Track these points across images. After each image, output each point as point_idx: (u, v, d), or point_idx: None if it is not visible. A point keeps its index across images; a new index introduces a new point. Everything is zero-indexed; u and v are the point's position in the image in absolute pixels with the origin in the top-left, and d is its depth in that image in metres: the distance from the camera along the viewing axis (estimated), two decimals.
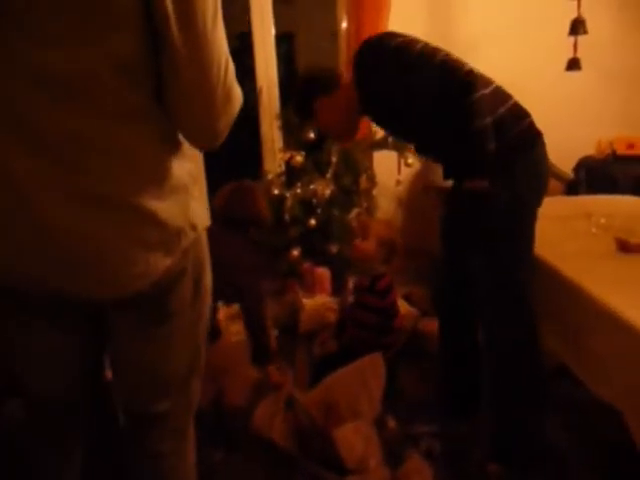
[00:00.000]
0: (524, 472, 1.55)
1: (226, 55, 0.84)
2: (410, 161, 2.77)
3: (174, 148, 0.91)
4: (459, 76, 1.43)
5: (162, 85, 0.83)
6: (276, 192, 2.77)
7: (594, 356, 1.43)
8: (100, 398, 1.14)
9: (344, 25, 3.03)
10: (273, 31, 3.10)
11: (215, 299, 1.39)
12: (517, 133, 1.47)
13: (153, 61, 0.81)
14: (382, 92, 1.57)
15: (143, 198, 0.83)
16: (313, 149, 2.63)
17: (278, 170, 2.99)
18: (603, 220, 1.94)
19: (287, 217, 2.70)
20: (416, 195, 3.25)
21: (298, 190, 2.74)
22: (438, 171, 1.65)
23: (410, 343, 2.25)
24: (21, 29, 0.72)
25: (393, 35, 1.56)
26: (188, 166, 0.94)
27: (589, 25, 2.70)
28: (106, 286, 0.87)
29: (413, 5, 3.08)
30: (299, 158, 2.72)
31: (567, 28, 2.73)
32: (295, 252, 2.70)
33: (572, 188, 3.07)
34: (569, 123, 3.13)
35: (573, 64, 2.74)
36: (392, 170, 2.95)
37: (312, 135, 2.53)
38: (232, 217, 2.04)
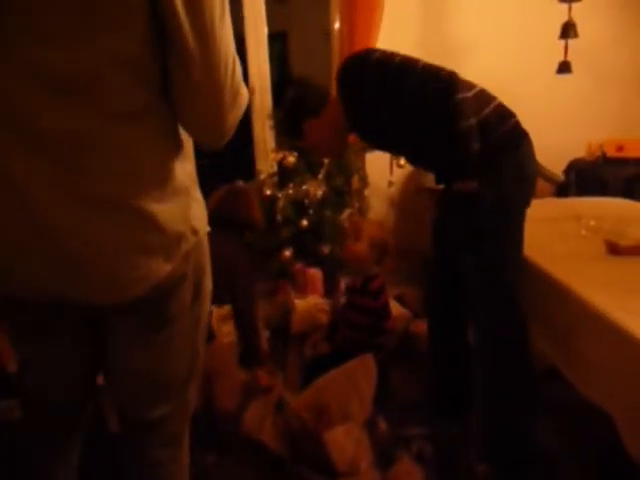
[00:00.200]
0: (513, 473, 1.56)
1: (233, 53, 0.83)
2: (402, 162, 2.77)
3: (177, 149, 0.90)
4: (441, 79, 1.46)
5: (169, 84, 0.82)
6: (268, 192, 2.77)
7: (583, 358, 1.44)
8: (93, 401, 1.14)
9: (337, 25, 3.03)
10: (266, 30, 3.09)
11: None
12: (502, 133, 1.48)
13: (158, 59, 0.80)
14: (367, 107, 1.59)
15: (144, 201, 0.82)
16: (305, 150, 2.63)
17: (270, 170, 2.98)
18: (593, 222, 1.95)
19: (279, 218, 2.69)
20: (408, 196, 3.26)
21: (290, 191, 2.74)
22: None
23: (402, 344, 2.26)
24: (21, 28, 0.71)
25: (372, 51, 1.62)
26: (189, 167, 0.94)
27: (580, 28, 2.72)
28: (106, 290, 0.86)
29: (406, 7, 3.08)
30: (291, 159, 2.72)
31: (558, 31, 2.75)
32: (287, 253, 2.69)
33: (562, 190, 3.09)
34: (560, 125, 3.15)
35: (564, 67, 2.76)
36: (384, 171, 2.96)
37: None
38: (226, 219, 2.04)
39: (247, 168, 3.18)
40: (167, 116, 0.86)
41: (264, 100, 3.14)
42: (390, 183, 3.03)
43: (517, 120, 1.53)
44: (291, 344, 2.36)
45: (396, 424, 1.81)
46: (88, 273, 0.83)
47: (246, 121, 3.21)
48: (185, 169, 0.91)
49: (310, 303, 2.56)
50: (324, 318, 2.44)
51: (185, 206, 0.90)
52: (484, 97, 1.53)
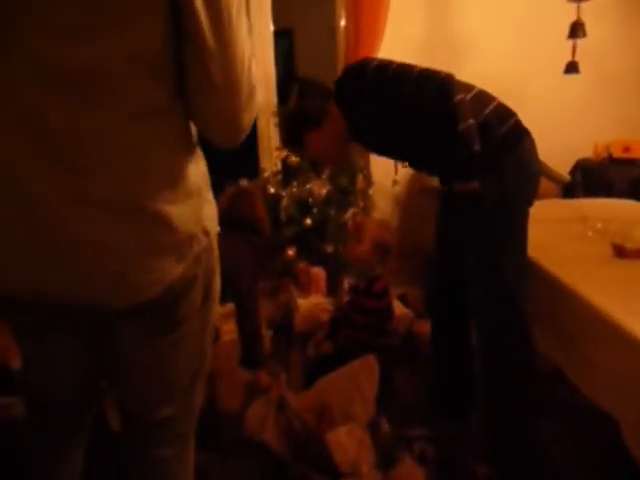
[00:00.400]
0: (515, 475, 1.55)
1: (249, 50, 0.82)
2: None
3: (190, 149, 0.89)
4: (437, 82, 1.46)
5: (185, 83, 0.81)
6: (272, 191, 2.76)
7: (589, 362, 1.43)
8: (97, 402, 1.13)
9: (343, 22, 3.01)
10: (271, 27, 3.08)
11: None
12: (503, 133, 1.49)
13: (173, 58, 0.79)
14: (367, 116, 1.59)
15: (158, 202, 0.81)
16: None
17: (274, 169, 2.97)
18: (599, 224, 1.94)
19: (283, 216, 2.69)
20: (413, 195, 3.24)
21: (294, 189, 2.73)
22: None
23: (405, 345, 2.25)
24: (36, 25, 0.70)
25: (369, 59, 1.63)
26: (202, 168, 0.93)
27: (588, 28, 2.70)
28: (119, 293, 0.85)
29: (411, 5, 3.06)
30: (295, 157, 2.71)
31: (566, 31, 2.72)
32: (290, 252, 2.68)
33: (568, 191, 3.07)
34: (566, 125, 3.13)
35: (571, 67, 2.74)
36: (389, 170, 2.91)
37: None
38: (233, 221, 2.04)
39: (251, 166, 3.17)
40: (181, 116, 0.85)
41: (269, 97, 3.13)
42: (395, 182, 2.99)
43: (518, 119, 1.53)
44: (294, 343, 2.36)
45: (399, 425, 1.80)
46: (100, 276, 0.82)
47: None
48: (199, 169, 0.90)
49: (313, 302, 2.56)
50: (327, 318, 2.44)
51: (197, 207, 0.89)
52: (483, 98, 1.53)
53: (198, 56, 0.77)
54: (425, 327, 2.21)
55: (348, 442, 1.58)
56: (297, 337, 2.40)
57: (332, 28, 3.22)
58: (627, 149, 3.09)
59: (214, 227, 0.96)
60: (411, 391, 2.02)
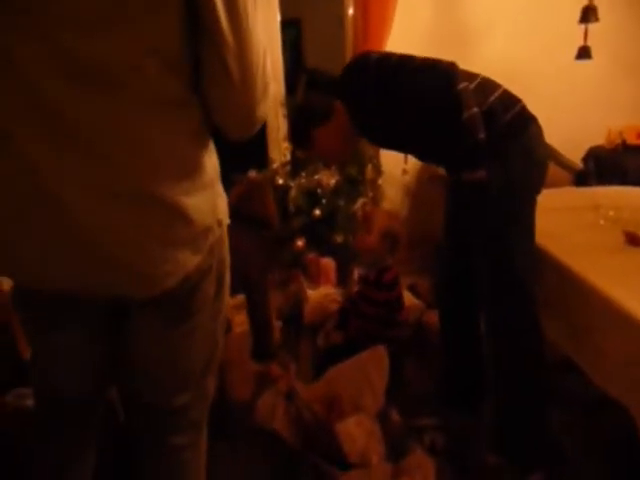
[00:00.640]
0: (524, 464, 1.54)
1: (264, 42, 0.84)
2: None
3: (205, 141, 0.90)
4: (440, 70, 1.45)
5: (202, 76, 0.83)
6: (281, 182, 2.75)
7: (600, 351, 1.42)
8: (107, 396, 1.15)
9: (351, 11, 2.99)
10: (279, 17, 3.06)
11: None
12: (509, 120, 1.48)
13: (190, 51, 0.80)
14: (371, 110, 1.58)
15: (174, 194, 0.82)
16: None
17: (283, 159, 2.97)
18: (612, 212, 1.91)
19: (291, 207, 2.68)
20: (422, 185, 3.22)
21: (303, 180, 2.72)
22: None
23: (415, 335, 2.24)
24: (58, 17, 0.71)
25: (370, 52, 1.63)
26: (215, 160, 0.94)
27: (601, 13, 2.64)
28: (137, 285, 0.86)
29: None
30: (302, 154, 2.69)
31: (578, 15, 2.67)
32: (300, 242, 2.68)
33: (581, 178, 3.03)
34: (579, 112, 3.09)
35: (583, 52, 2.69)
36: (398, 159, 2.91)
37: None
38: (244, 215, 2.04)
39: (260, 157, 3.16)
40: (197, 109, 0.86)
41: (277, 88, 3.11)
42: (404, 171, 2.99)
43: (523, 106, 1.52)
44: (303, 334, 2.36)
45: (409, 415, 1.80)
46: (118, 268, 0.82)
47: None
48: (212, 161, 0.92)
49: (322, 293, 2.56)
50: (336, 308, 2.44)
51: (212, 199, 0.91)
52: (488, 86, 1.52)
53: (216, 49, 0.79)
54: (435, 317, 2.20)
55: (357, 432, 1.59)
56: (307, 328, 2.41)
57: (340, 17, 3.19)
58: None
59: (226, 218, 0.99)
60: (421, 382, 2.02)
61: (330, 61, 2.96)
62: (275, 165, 2.92)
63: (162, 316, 0.95)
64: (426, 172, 3.18)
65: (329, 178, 2.70)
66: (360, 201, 2.79)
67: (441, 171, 2.87)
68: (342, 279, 2.75)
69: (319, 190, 2.69)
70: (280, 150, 3.09)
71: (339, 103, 1.64)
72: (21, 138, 0.75)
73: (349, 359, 1.85)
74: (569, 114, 3.05)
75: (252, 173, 2.65)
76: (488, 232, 1.53)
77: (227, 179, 2.29)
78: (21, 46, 0.72)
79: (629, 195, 2.32)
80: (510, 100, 1.51)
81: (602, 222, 1.90)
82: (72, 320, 0.95)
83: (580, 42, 2.71)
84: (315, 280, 2.71)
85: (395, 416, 1.77)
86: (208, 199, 0.90)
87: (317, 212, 2.65)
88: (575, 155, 3.09)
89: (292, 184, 2.73)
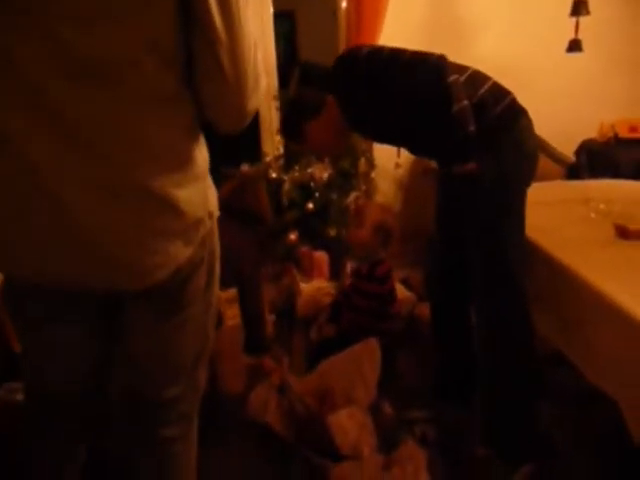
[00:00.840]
0: (514, 457, 1.55)
1: (254, 36, 0.85)
2: None
3: (196, 135, 0.91)
4: (430, 63, 1.45)
5: (195, 69, 0.84)
6: (274, 175, 2.75)
7: (591, 345, 1.43)
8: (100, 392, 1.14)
9: (344, 4, 2.97)
10: (271, 9, 3.04)
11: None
12: (499, 112, 1.48)
13: (183, 45, 0.81)
14: (362, 103, 1.58)
15: (167, 186, 0.83)
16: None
17: (276, 153, 2.96)
18: (602, 205, 1.92)
19: (285, 201, 2.68)
20: (415, 178, 3.22)
21: (296, 173, 2.72)
22: None
23: (407, 328, 2.25)
24: (57, 12, 0.71)
25: (361, 46, 1.63)
26: (205, 153, 0.95)
27: (592, 6, 2.64)
28: (129, 277, 0.87)
29: None
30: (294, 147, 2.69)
31: (569, 9, 2.67)
32: (293, 236, 2.68)
33: (573, 172, 3.04)
34: (571, 106, 3.09)
35: (574, 45, 2.69)
36: (391, 153, 2.91)
37: None
38: (237, 209, 2.04)
39: (253, 150, 3.15)
40: (189, 103, 0.87)
41: (270, 81, 3.10)
42: (397, 165, 2.99)
43: (513, 98, 1.52)
44: (296, 328, 2.37)
45: (401, 408, 1.81)
46: (110, 260, 0.83)
47: None
48: (203, 155, 0.93)
49: (315, 287, 2.56)
50: (329, 301, 2.44)
51: (203, 191, 0.92)
52: (478, 78, 1.52)
53: (208, 43, 0.80)
54: (427, 310, 2.21)
55: (349, 425, 1.60)
56: (300, 321, 2.41)
57: (334, 10, 3.18)
58: (633, 129, 3.06)
59: (216, 211, 1.00)
60: (413, 374, 2.03)
61: (324, 54, 2.94)
62: (268, 159, 2.91)
63: (154, 309, 0.96)
64: (419, 166, 3.18)
65: (322, 172, 2.70)
66: (353, 195, 2.79)
67: (434, 164, 2.88)
68: (335, 273, 2.75)
69: (312, 184, 2.69)
70: (273, 144, 3.09)
71: (331, 97, 1.64)
72: (21, 138, 0.76)
73: (341, 352, 1.86)
74: (562, 108, 3.05)
75: (245, 167, 2.64)
76: (481, 224, 1.54)
77: (220, 173, 2.30)
78: (21, 46, 0.72)
79: (620, 188, 2.33)
80: (500, 92, 1.52)
81: (593, 215, 1.91)
82: (66, 315, 0.95)
83: (572, 36, 2.71)
84: (308, 273, 2.71)
85: (387, 408, 1.78)
86: (199, 191, 0.91)
87: (310, 206, 2.65)
88: (568, 148, 3.09)
89: (285, 178, 2.73)
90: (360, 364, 1.81)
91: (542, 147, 2.81)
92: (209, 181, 0.98)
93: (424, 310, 2.27)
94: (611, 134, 3.07)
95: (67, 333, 0.98)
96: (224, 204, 1.05)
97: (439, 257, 1.83)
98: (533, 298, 1.55)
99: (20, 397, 1.49)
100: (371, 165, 2.96)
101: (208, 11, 0.76)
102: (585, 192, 2.14)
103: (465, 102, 1.41)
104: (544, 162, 2.82)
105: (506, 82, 1.56)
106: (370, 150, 2.98)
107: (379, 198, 3.12)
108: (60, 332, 0.97)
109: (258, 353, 1.95)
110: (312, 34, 4.74)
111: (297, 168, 2.74)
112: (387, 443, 1.64)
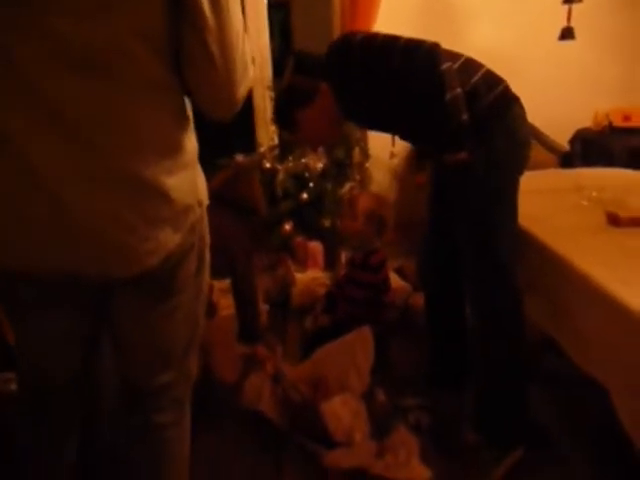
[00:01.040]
0: (504, 443, 1.57)
1: (242, 23, 0.86)
2: None
3: (186, 122, 0.93)
4: (423, 50, 1.44)
5: (184, 57, 0.84)
6: (268, 166, 2.75)
7: (580, 331, 1.43)
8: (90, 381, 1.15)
9: None
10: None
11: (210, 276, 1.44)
12: (491, 100, 1.48)
13: (172, 34, 0.82)
14: (356, 91, 1.57)
15: (157, 174, 0.84)
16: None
17: (271, 143, 2.96)
18: (594, 193, 1.92)
19: (279, 191, 2.68)
20: (410, 168, 3.22)
21: (290, 163, 2.72)
22: None
23: (402, 317, 2.26)
24: (51, 6, 0.72)
25: (355, 33, 1.63)
26: (194, 141, 0.96)
27: None
28: (117, 264, 0.88)
29: None
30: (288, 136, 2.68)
31: None
32: (287, 226, 2.69)
33: (567, 161, 3.04)
34: (566, 95, 3.09)
35: (567, 33, 2.68)
36: (386, 143, 2.89)
37: None
38: (231, 200, 2.04)
39: (247, 140, 3.15)
40: (178, 90, 0.88)
41: (264, 71, 3.10)
42: (392, 155, 2.98)
43: (506, 85, 1.52)
44: (291, 318, 2.38)
45: (395, 395, 1.82)
46: (101, 247, 0.84)
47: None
48: (192, 142, 0.94)
49: (310, 277, 2.57)
50: (324, 292, 2.45)
51: (192, 178, 0.94)
52: (471, 66, 1.52)
53: (197, 31, 0.80)
54: (422, 300, 2.22)
55: (343, 412, 1.61)
56: (294, 311, 2.42)
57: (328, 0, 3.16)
58: (627, 118, 3.05)
59: (205, 199, 1.01)
60: (407, 363, 2.05)
61: (319, 43, 2.93)
62: (262, 149, 2.91)
63: (145, 296, 0.97)
64: (414, 155, 3.18)
65: (316, 162, 2.70)
66: (348, 185, 2.79)
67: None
68: (330, 263, 2.76)
69: (306, 174, 2.69)
70: (268, 134, 3.09)
71: (324, 85, 1.63)
72: (19, 133, 0.77)
73: (335, 340, 1.87)
74: (556, 96, 3.05)
75: (239, 157, 2.64)
76: (472, 213, 1.54)
77: (215, 163, 2.29)
78: (21, 46, 0.73)
79: (612, 176, 2.34)
80: (493, 80, 1.51)
81: (585, 203, 1.91)
82: (57, 302, 0.96)
83: (565, 24, 2.71)
84: (303, 264, 2.72)
85: (381, 396, 1.79)
86: (189, 179, 0.92)
87: (304, 196, 2.66)
88: (562, 137, 3.10)
89: (280, 168, 2.73)
90: (353, 352, 1.82)
91: (536, 136, 2.82)
92: (198, 169, 0.99)
93: (418, 300, 2.28)
94: (605, 123, 3.07)
95: (58, 320, 0.98)
96: (217, 194, 1.06)
97: (432, 247, 1.84)
98: (524, 285, 1.55)
99: (14, 387, 1.49)
100: (366, 155, 2.96)
101: (198, 1, 0.77)
102: (577, 180, 2.13)
103: (458, 90, 1.41)
104: (538, 151, 2.83)
105: (500, 70, 1.55)
106: (364, 140, 2.98)
107: (374, 188, 3.11)
108: (51, 319, 0.98)
109: (251, 341, 1.96)
110: (307, 23, 4.70)
111: (291, 158, 2.74)
112: (380, 430, 1.65)
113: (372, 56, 1.50)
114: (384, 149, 2.94)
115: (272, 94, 2.98)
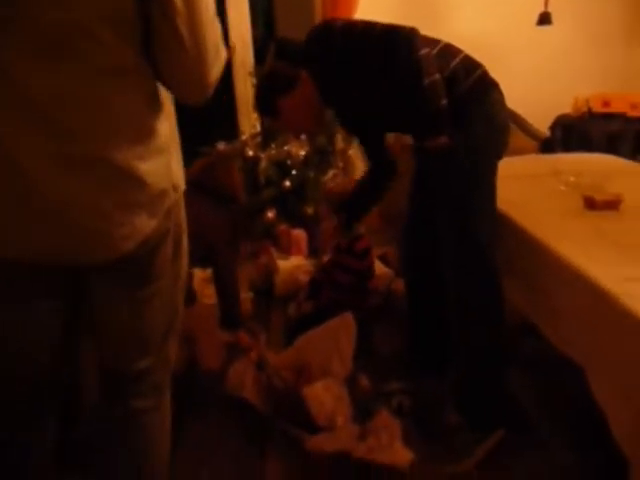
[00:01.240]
0: (485, 423, 1.59)
1: (213, 7, 0.85)
2: None
3: (158, 107, 0.91)
4: (402, 36, 1.45)
5: (153, 41, 0.83)
6: (251, 153, 2.74)
7: (558, 313, 1.46)
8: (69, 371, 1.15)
9: None
10: None
11: (190, 264, 1.43)
12: (470, 85, 1.49)
13: (141, 16, 0.81)
14: (336, 79, 1.57)
15: (130, 159, 0.84)
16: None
17: (253, 131, 2.94)
18: (572, 178, 1.95)
19: (262, 179, 2.68)
20: (394, 155, 3.22)
21: (273, 151, 2.71)
22: None
23: (385, 303, 2.28)
24: None
25: (335, 20, 1.63)
26: (168, 125, 0.95)
27: None
28: (92, 249, 0.87)
29: None
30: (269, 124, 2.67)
31: None
32: (270, 214, 2.69)
33: (548, 146, 3.07)
34: (546, 81, 3.11)
35: (544, 18, 2.70)
36: None
37: None
38: (209, 187, 2.03)
39: (230, 127, 3.13)
40: (148, 75, 0.87)
41: (245, 57, 3.08)
42: None
43: (485, 71, 1.53)
44: (275, 305, 2.38)
45: (378, 380, 1.84)
46: (75, 233, 0.84)
47: (227, 79, 3.14)
48: (165, 127, 0.93)
49: (294, 264, 2.57)
50: (308, 279, 2.46)
51: (167, 163, 0.93)
52: (450, 51, 1.53)
53: (165, 12, 0.79)
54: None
55: (325, 396, 1.62)
56: (278, 299, 2.43)
57: None
58: (607, 104, 3.09)
59: (182, 184, 1.00)
60: (390, 348, 2.06)
61: (302, 30, 2.91)
62: (245, 136, 2.90)
63: (122, 282, 0.97)
64: (397, 142, 3.18)
65: (299, 149, 2.69)
66: (330, 172, 2.79)
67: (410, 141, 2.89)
68: (313, 250, 2.77)
69: (289, 161, 2.68)
70: (250, 121, 3.07)
71: (305, 72, 1.62)
72: None
73: (318, 327, 1.88)
74: (537, 83, 3.07)
75: (221, 145, 2.63)
76: (452, 197, 1.55)
77: (197, 151, 2.28)
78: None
79: (589, 161, 2.37)
80: (471, 65, 1.52)
81: (563, 188, 1.94)
82: (30, 289, 0.94)
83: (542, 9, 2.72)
84: (286, 251, 2.72)
85: (363, 381, 1.80)
86: (163, 163, 0.92)
87: (287, 183, 2.65)
88: (543, 123, 3.12)
89: (262, 155, 2.72)
90: (336, 338, 1.83)
91: (517, 122, 2.84)
92: (174, 154, 0.98)
93: (401, 285, 2.30)
94: (585, 109, 3.10)
95: (32, 308, 0.96)
96: (195, 182, 1.06)
97: (413, 235, 1.85)
98: (502, 269, 1.57)
99: None
100: (348, 142, 2.95)
101: None
102: (555, 166, 2.16)
103: (437, 76, 1.42)
104: (518, 137, 2.85)
105: (481, 58, 1.56)
106: None
107: (358, 176, 3.11)
108: (25, 307, 0.96)
109: (233, 329, 1.97)
110: (290, 11, 4.66)
111: (274, 146, 2.73)
112: (362, 414, 1.67)
113: (352, 42, 1.50)
114: None
115: (254, 81, 2.96)
